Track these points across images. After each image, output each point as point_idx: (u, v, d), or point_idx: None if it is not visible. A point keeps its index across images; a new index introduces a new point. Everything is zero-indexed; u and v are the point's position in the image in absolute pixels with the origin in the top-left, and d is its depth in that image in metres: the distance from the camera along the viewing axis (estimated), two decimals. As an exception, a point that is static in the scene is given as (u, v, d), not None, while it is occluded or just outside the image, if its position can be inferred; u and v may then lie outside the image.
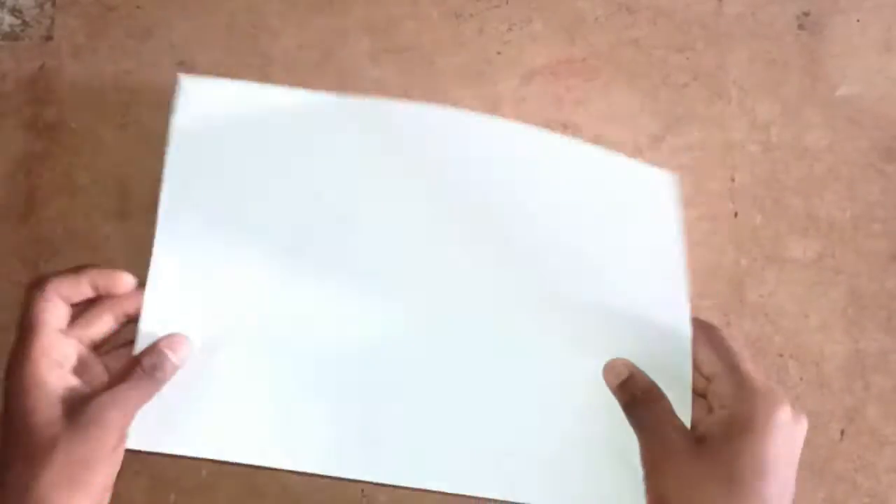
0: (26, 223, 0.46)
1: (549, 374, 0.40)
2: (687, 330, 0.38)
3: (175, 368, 0.38)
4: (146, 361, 0.37)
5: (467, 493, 0.40)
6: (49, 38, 0.47)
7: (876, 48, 0.46)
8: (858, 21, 0.46)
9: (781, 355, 0.43)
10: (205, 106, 0.40)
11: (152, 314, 0.39)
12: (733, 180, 0.45)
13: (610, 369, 0.39)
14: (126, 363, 0.37)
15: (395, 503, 0.43)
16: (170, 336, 0.38)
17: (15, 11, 0.48)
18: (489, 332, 0.40)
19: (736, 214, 0.45)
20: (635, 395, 0.37)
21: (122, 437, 0.36)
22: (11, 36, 0.48)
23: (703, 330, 0.37)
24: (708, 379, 0.37)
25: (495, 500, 0.42)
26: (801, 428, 0.34)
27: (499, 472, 0.40)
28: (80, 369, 0.36)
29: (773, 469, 0.33)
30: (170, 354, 0.37)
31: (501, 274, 0.40)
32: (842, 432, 0.43)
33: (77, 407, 0.34)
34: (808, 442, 0.40)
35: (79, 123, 0.47)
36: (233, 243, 0.40)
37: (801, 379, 0.43)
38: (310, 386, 0.40)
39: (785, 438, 0.33)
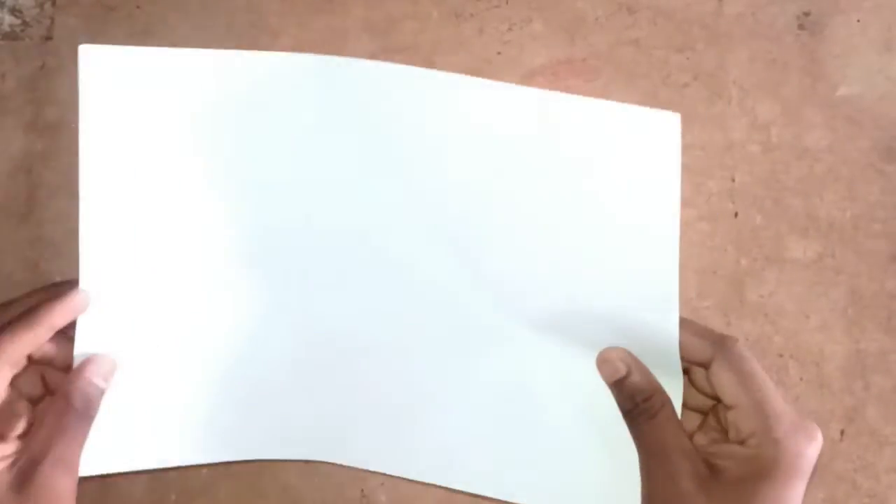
0: (27, 223, 0.46)
1: (539, 364, 0.38)
2: (674, 312, 0.35)
3: (103, 394, 0.35)
4: (78, 400, 0.34)
5: (463, 490, 0.40)
6: (49, 37, 0.47)
7: (876, 48, 0.46)
8: (859, 21, 0.46)
9: (781, 355, 0.43)
10: (113, 76, 0.36)
11: (85, 332, 0.36)
12: (733, 180, 0.45)
13: (605, 362, 0.35)
14: (56, 408, 0.34)
15: (395, 503, 0.43)
16: (94, 361, 0.36)
17: (15, 11, 0.48)
18: (467, 317, 0.38)
19: (736, 214, 0.45)
20: (635, 400, 0.34)
21: (74, 488, 0.34)
22: (11, 36, 0.48)
23: (724, 349, 0.33)
24: (728, 407, 0.33)
25: (494, 500, 0.42)
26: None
27: (492, 470, 0.40)
28: (4, 416, 0.34)
29: None
30: (99, 383, 0.35)
31: (485, 255, 0.37)
32: (842, 432, 0.43)
33: (23, 479, 0.32)
34: (807, 442, 0.40)
35: (79, 123, 0.47)
36: (163, 233, 0.37)
37: (801, 379, 0.43)
38: (254, 380, 0.39)
39: (808, 478, 0.31)
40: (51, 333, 0.35)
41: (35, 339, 0.34)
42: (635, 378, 0.34)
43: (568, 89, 0.46)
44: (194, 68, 0.36)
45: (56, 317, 0.34)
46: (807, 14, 0.46)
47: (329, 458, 0.40)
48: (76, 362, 0.36)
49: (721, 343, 0.33)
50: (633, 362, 0.35)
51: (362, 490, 0.43)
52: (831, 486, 0.42)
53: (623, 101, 0.45)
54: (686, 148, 0.45)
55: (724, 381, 0.33)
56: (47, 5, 0.48)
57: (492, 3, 0.47)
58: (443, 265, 0.37)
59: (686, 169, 0.45)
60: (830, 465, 0.42)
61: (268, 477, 0.43)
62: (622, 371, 0.35)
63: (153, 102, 0.36)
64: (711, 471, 0.31)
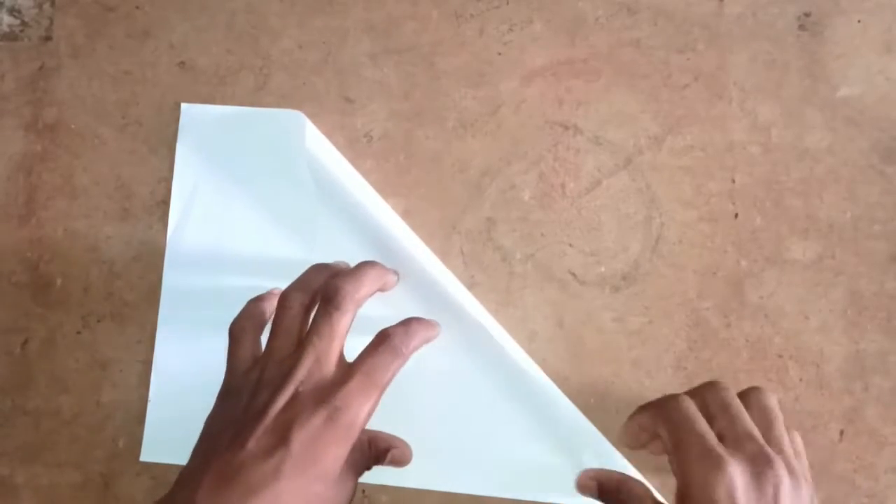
0: (26, 224, 0.46)
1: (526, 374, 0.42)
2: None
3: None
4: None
5: (462, 492, 0.42)
6: (48, 38, 0.47)
7: (876, 49, 0.46)
8: (859, 22, 0.46)
9: (781, 356, 0.43)
10: (203, 129, 0.46)
11: (165, 347, 0.44)
12: (734, 181, 0.45)
13: (582, 488, 0.38)
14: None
15: (396, 503, 0.43)
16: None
17: (14, 12, 0.48)
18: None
19: (736, 215, 0.45)
20: (615, 496, 0.36)
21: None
22: (10, 36, 0.47)
23: (661, 403, 0.35)
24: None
25: (492, 500, 0.42)
26: (770, 481, 0.31)
27: (488, 470, 0.42)
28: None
29: None
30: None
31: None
32: (841, 433, 0.43)
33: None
34: (808, 442, 0.41)
35: (78, 124, 0.47)
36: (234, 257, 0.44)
37: (800, 380, 0.43)
38: None
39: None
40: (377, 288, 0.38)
41: (377, 286, 0.37)
42: (605, 484, 0.37)
43: (568, 90, 0.46)
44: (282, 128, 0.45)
45: (388, 278, 0.39)
46: (807, 15, 0.46)
47: None
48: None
49: (662, 401, 0.35)
50: (600, 474, 0.37)
51: (363, 490, 0.43)
52: (831, 486, 0.42)
53: (623, 101, 0.45)
54: (686, 149, 0.45)
55: (663, 433, 0.34)
56: (46, 6, 0.48)
57: (492, 4, 0.47)
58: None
59: (686, 170, 0.45)
60: (830, 465, 0.42)
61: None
62: (594, 488, 0.37)
63: (234, 153, 0.46)
64: None
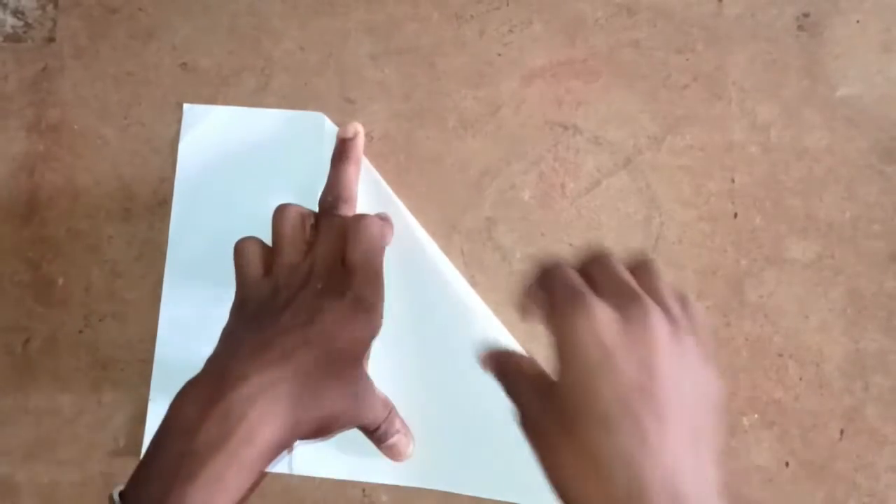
0: (29, 224, 0.46)
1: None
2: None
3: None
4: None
5: (462, 493, 0.42)
6: (51, 39, 0.48)
7: (875, 49, 0.46)
8: (858, 22, 0.46)
9: (781, 355, 0.43)
10: (206, 129, 0.46)
11: (165, 342, 0.44)
12: (733, 181, 0.45)
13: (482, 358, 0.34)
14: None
15: (396, 502, 0.43)
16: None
17: (17, 13, 0.48)
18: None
19: (736, 215, 0.45)
20: (497, 370, 0.33)
21: None
22: (14, 38, 0.48)
23: (543, 272, 0.31)
24: None
25: (492, 500, 0.42)
26: (640, 321, 0.28)
27: (484, 471, 0.42)
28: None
29: (595, 381, 0.27)
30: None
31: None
32: (841, 432, 0.43)
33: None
34: (808, 442, 0.41)
35: (81, 125, 0.47)
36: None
37: (800, 379, 0.43)
38: None
39: (595, 346, 0.27)
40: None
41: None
42: (490, 357, 0.34)
43: (568, 90, 0.46)
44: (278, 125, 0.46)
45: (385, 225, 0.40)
46: (806, 15, 0.46)
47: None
48: None
49: (541, 272, 0.32)
50: (489, 352, 0.34)
51: (363, 490, 0.43)
52: (831, 485, 0.42)
53: (623, 102, 0.46)
54: (686, 148, 0.45)
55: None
56: (49, 7, 0.48)
57: (492, 5, 0.47)
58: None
59: (686, 170, 0.45)
60: (830, 464, 0.42)
61: (269, 477, 0.43)
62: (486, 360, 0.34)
63: (230, 150, 0.46)
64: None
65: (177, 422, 0.31)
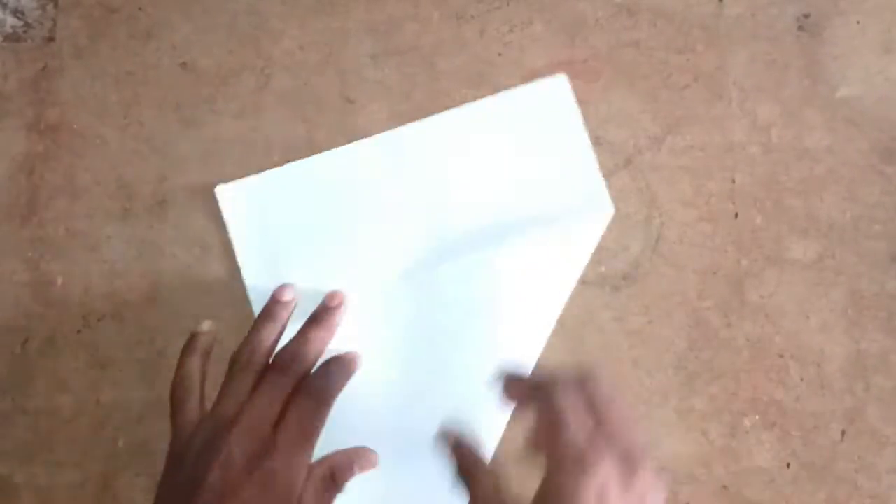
0: (28, 224, 0.46)
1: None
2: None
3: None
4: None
5: None
6: (51, 39, 0.48)
7: (875, 50, 0.46)
8: (858, 23, 0.46)
9: (782, 356, 0.43)
10: (246, 204, 0.46)
11: None
12: (734, 181, 0.45)
13: (440, 436, 0.36)
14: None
15: None
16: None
17: (17, 13, 0.48)
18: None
19: (736, 215, 0.45)
20: (461, 464, 0.34)
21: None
22: (14, 37, 0.48)
23: (538, 390, 0.33)
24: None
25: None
26: (637, 487, 0.30)
27: None
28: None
29: None
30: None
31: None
32: (842, 433, 0.43)
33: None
34: (809, 443, 0.41)
35: (81, 124, 0.47)
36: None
37: (801, 379, 0.43)
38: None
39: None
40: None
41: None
42: (462, 447, 0.35)
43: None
44: (301, 177, 0.46)
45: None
46: (806, 16, 0.46)
47: None
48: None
49: (539, 387, 0.33)
50: (463, 437, 0.36)
51: (363, 491, 0.43)
52: (832, 486, 0.42)
53: (623, 102, 0.46)
54: (686, 149, 0.45)
55: (535, 425, 0.33)
56: (49, 7, 0.48)
57: (493, 5, 0.47)
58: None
59: (686, 170, 0.45)
60: (831, 465, 0.42)
61: None
62: (452, 442, 0.36)
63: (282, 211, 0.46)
64: None
65: None
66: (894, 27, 0.46)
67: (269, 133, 0.46)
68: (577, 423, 0.32)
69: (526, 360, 0.43)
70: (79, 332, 0.45)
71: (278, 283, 0.42)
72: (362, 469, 0.38)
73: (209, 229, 0.46)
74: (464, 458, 0.35)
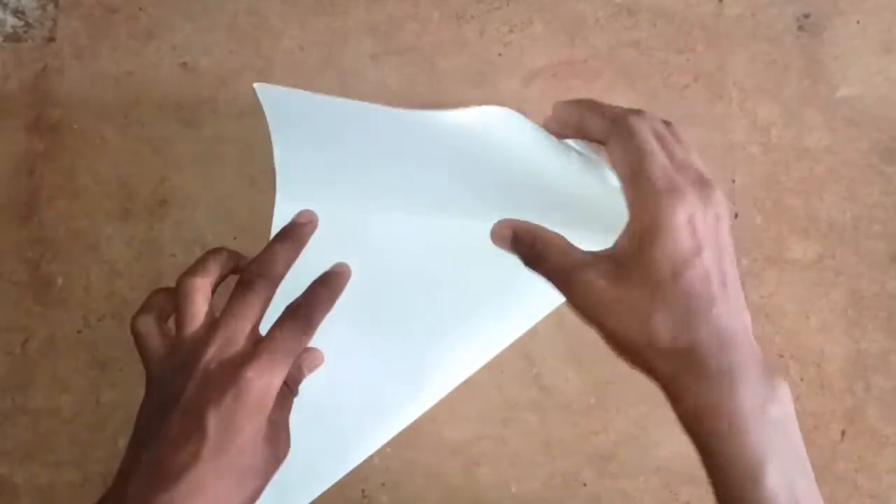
0: (28, 224, 0.46)
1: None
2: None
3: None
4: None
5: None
6: (51, 39, 0.48)
7: (876, 50, 0.46)
8: (858, 23, 0.46)
9: (782, 356, 0.43)
10: (286, 108, 0.40)
11: None
12: (734, 181, 0.45)
13: (495, 236, 0.37)
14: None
15: (396, 503, 0.43)
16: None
17: (17, 13, 0.48)
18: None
19: (736, 215, 0.45)
20: (524, 252, 0.35)
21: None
22: (14, 37, 0.48)
23: (617, 125, 0.34)
24: (621, 181, 0.34)
25: (490, 501, 0.42)
26: (713, 208, 0.32)
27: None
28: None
29: (691, 263, 0.31)
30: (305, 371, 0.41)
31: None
32: (842, 433, 0.43)
33: None
34: (809, 442, 0.40)
35: (81, 124, 0.47)
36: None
37: (801, 379, 0.43)
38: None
39: (690, 234, 0.31)
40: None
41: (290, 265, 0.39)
42: (520, 233, 0.36)
43: (568, 91, 0.46)
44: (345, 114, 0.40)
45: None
46: (806, 16, 0.46)
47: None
48: None
49: (616, 119, 0.34)
50: (516, 223, 0.36)
51: (363, 490, 0.43)
52: (832, 486, 0.42)
53: (623, 102, 0.45)
54: (686, 149, 0.45)
55: (615, 154, 0.33)
56: (50, 7, 0.48)
57: (493, 5, 0.47)
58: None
59: (686, 170, 0.45)
60: (831, 465, 0.42)
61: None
62: (509, 235, 0.36)
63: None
64: (615, 262, 0.33)
65: None
66: (894, 27, 0.46)
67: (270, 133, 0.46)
68: (661, 153, 0.33)
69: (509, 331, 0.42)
70: (79, 332, 0.45)
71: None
72: (310, 369, 0.40)
73: (209, 229, 0.46)
74: (526, 234, 0.36)
